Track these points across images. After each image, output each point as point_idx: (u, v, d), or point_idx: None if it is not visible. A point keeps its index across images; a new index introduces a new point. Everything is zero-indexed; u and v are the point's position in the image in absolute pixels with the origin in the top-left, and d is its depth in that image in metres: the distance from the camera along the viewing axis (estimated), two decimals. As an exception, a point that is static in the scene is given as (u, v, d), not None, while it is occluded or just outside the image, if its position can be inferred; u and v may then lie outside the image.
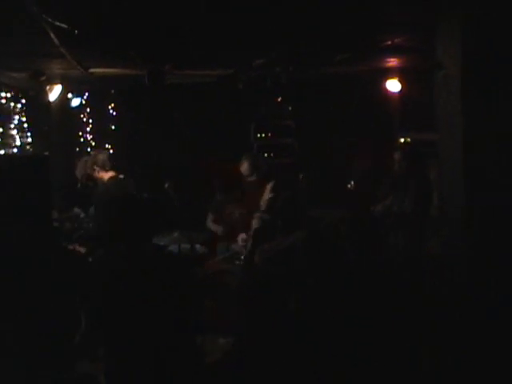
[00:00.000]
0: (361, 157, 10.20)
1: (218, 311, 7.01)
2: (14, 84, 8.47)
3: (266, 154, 10.54)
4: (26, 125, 8.88)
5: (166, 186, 7.34)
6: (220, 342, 5.73)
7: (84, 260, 6.61)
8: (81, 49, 6.27)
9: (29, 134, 8.90)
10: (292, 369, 3.22)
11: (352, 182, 8.65)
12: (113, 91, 10.18)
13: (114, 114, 10.43)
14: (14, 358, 5.16)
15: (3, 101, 8.47)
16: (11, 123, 8.59)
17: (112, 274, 4.12)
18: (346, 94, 9.72)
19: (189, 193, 8.04)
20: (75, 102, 9.28)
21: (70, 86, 8.80)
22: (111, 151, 10.23)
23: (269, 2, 4.98)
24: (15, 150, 8.49)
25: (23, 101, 8.88)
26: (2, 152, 8.04)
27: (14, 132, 8.63)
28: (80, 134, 10.07)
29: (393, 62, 8.18)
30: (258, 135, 10.59)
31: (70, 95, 9.11)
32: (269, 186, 7.55)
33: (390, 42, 6.53)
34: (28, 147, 8.83)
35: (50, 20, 4.95)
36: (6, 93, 8.49)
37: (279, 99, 10.40)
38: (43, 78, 7.59)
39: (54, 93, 8.32)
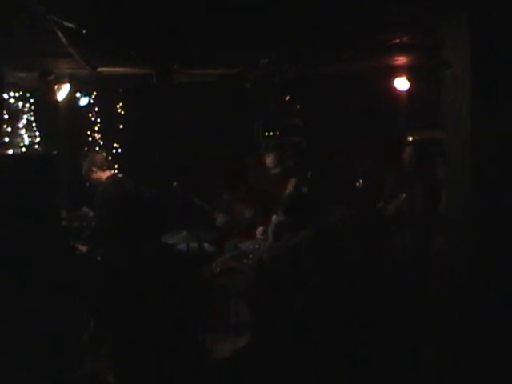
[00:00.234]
0: (368, 155, 10.18)
1: (226, 310, 7.07)
2: (23, 84, 8.49)
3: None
4: (34, 124, 8.90)
5: (174, 185, 7.37)
6: (229, 341, 5.77)
7: (86, 259, 6.63)
8: (88, 48, 6.29)
9: (37, 133, 8.92)
10: (299, 368, 3.21)
11: (360, 181, 8.63)
12: (121, 90, 10.19)
13: (122, 113, 10.43)
14: (14, 357, 5.18)
15: (12, 100, 8.50)
16: (19, 123, 8.62)
17: (112, 274, 4.13)
18: (354, 92, 9.70)
19: (196, 192, 8.05)
20: (83, 101, 9.30)
21: (78, 86, 8.82)
22: (119, 150, 10.29)
23: (273, 1, 4.98)
24: (23, 150, 8.51)
25: (31, 100, 8.90)
26: (11, 151, 8.07)
27: (23, 131, 8.66)
28: (88, 133, 10.09)
29: (401, 60, 8.16)
30: (266, 133, 10.59)
31: (78, 94, 9.15)
32: (292, 182, 7.63)
33: (398, 40, 6.52)
34: (36, 146, 8.85)
35: (57, 20, 4.96)
36: (14, 92, 8.52)
37: (287, 98, 10.39)
38: (51, 78, 7.61)
39: (62, 92, 8.35)
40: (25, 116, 8.74)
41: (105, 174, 7.39)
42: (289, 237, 5.40)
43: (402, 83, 8.87)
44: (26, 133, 8.68)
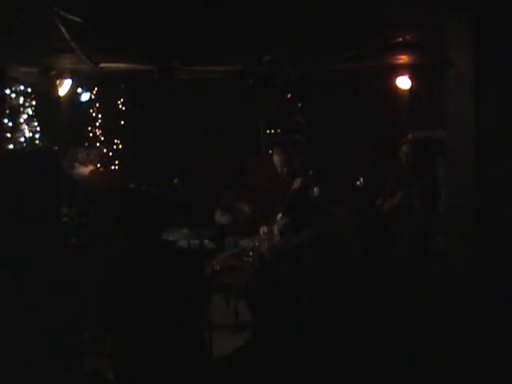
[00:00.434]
0: (369, 154, 10.18)
1: (229, 307, 7.07)
2: (24, 78, 8.48)
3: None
4: (35, 119, 8.89)
5: (176, 181, 7.36)
6: (228, 339, 5.76)
7: (86, 257, 6.64)
8: (91, 43, 6.27)
9: (38, 128, 8.91)
10: (300, 367, 3.21)
11: (361, 179, 8.62)
12: (122, 86, 10.17)
13: (124, 109, 10.42)
14: (14, 357, 5.17)
15: (13, 95, 8.48)
16: (21, 118, 8.60)
17: (113, 271, 4.12)
18: (356, 90, 9.70)
19: (197, 190, 8.05)
20: (85, 96, 9.29)
21: (80, 81, 8.80)
22: (120, 146, 10.27)
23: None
24: (24, 145, 8.50)
25: (33, 95, 8.89)
26: (12, 146, 8.06)
27: (24, 126, 8.64)
28: (89, 128, 10.07)
29: (403, 59, 8.15)
30: (268, 131, 10.58)
31: (79, 90, 9.13)
32: (298, 181, 7.62)
33: (400, 39, 6.51)
34: (37, 142, 8.84)
35: (62, 13, 4.94)
36: (15, 87, 8.50)
37: (289, 95, 10.38)
38: (53, 73, 7.60)
39: (64, 87, 8.33)
40: (26, 111, 8.73)
41: (87, 169, 7.55)
42: (290, 236, 5.40)
43: (403, 82, 8.87)
44: (27, 128, 8.67)
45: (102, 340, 4.31)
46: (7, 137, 8.04)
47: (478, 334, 4.52)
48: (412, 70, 8.65)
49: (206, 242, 7.45)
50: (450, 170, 5.08)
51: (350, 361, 3.58)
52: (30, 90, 8.82)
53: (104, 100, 10.10)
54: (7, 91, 8.16)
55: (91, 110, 10.05)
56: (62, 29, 5.45)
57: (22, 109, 8.65)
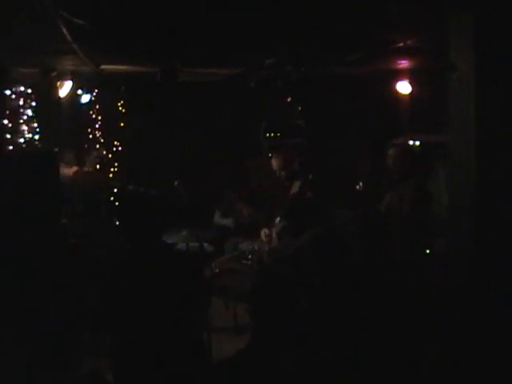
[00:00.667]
0: (369, 157, 10.18)
1: (228, 310, 7.06)
2: (25, 80, 8.48)
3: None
4: (35, 120, 8.89)
5: (176, 183, 7.36)
6: (227, 341, 5.75)
7: (85, 258, 6.66)
8: (93, 45, 6.27)
9: (38, 129, 8.91)
10: (301, 369, 3.20)
11: (360, 183, 8.62)
12: (123, 88, 10.17)
13: (124, 111, 10.41)
14: (14, 357, 5.16)
15: (13, 96, 8.48)
16: (21, 119, 8.61)
17: (113, 273, 4.12)
18: (356, 94, 9.70)
19: (198, 191, 8.04)
20: (85, 98, 9.29)
21: (80, 83, 8.81)
22: (120, 148, 10.27)
23: (277, 1, 4.96)
24: (24, 146, 8.50)
25: (33, 96, 8.89)
26: (11, 147, 8.06)
27: (24, 127, 8.65)
28: (89, 130, 10.07)
29: (404, 63, 8.15)
30: (268, 135, 10.57)
31: (79, 91, 9.13)
32: (296, 184, 7.60)
33: (402, 44, 6.51)
34: (37, 143, 8.85)
35: (63, 15, 4.93)
36: (16, 88, 8.50)
37: (289, 99, 10.38)
38: (54, 74, 7.61)
39: (65, 89, 8.33)
40: (26, 112, 8.73)
41: (71, 170, 7.92)
42: (290, 240, 5.38)
43: (404, 86, 8.87)
44: (27, 129, 8.67)
45: (101, 341, 4.30)
46: (7, 138, 8.04)
47: (478, 334, 4.51)
48: (412, 75, 8.66)
49: (206, 244, 7.45)
50: (451, 172, 5.07)
51: (350, 363, 3.57)
52: (30, 91, 8.83)
53: (104, 102, 10.09)
54: (7, 92, 8.16)
55: (91, 112, 10.04)
56: (64, 30, 5.44)
57: (22, 110, 8.66)
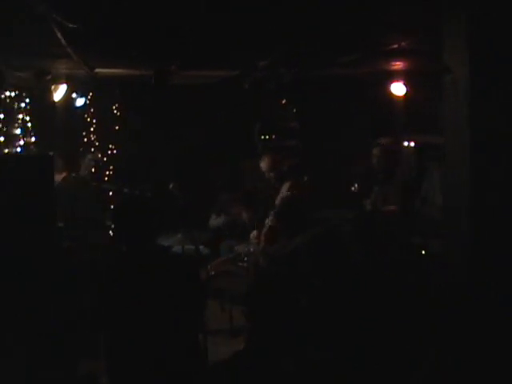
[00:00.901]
0: (363, 158, 10.19)
1: (224, 312, 7.06)
2: (19, 83, 8.47)
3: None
4: (30, 124, 8.88)
5: (171, 186, 7.35)
6: (223, 343, 5.75)
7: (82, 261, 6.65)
8: (87, 49, 6.27)
9: (33, 133, 8.90)
10: (299, 370, 3.21)
11: (356, 185, 8.63)
12: (117, 91, 10.16)
13: (119, 114, 10.41)
14: (14, 357, 5.15)
15: (8, 100, 8.47)
16: (15, 122, 8.60)
17: (109, 275, 4.11)
18: (351, 96, 9.71)
19: (193, 193, 8.04)
20: (79, 101, 9.28)
21: (75, 86, 8.80)
22: (115, 151, 10.26)
23: (272, 3, 4.97)
24: (19, 150, 8.49)
25: (27, 100, 8.88)
26: (6, 151, 8.05)
27: (18, 131, 8.64)
28: (84, 134, 10.06)
29: (398, 65, 8.17)
30: (262, 137, 10.56)
31: (74, 95, 9.12)
32: (286, 185, 7.58)
33: (396, 46, 6.51)
34: (32, 147, 8.84)
35: (58, 19, 4.93)
36: (10, 92, 8.49)
37: (283, 101, 10.39)
38: (48, 78, 7.61)
39: (59, 92, 8.33)
40: (20, 116, 8.72)
41: (61, 176, 7.90)
42: (285, 242, 5.38)
43: (398, 88, 8.89)
44: (21, 133, 8.66)
45: (96, 343, 4.29)
46: (1, 141, 8.04)
47: (477, 334, 4.52)
48: (407, 76, 8.68)
49: (201, 247, 7.44)
50: (446, 173, 5.08)
51: (350, 363, 3.58)
52: (24, 94, 8.82)
53: (99, 105, 10.08)
54: (1, 96, 8.16)
55: (86, 115, 10.03)
56: (59, 34, 5.44)
57: (16, 113, 8.65)
